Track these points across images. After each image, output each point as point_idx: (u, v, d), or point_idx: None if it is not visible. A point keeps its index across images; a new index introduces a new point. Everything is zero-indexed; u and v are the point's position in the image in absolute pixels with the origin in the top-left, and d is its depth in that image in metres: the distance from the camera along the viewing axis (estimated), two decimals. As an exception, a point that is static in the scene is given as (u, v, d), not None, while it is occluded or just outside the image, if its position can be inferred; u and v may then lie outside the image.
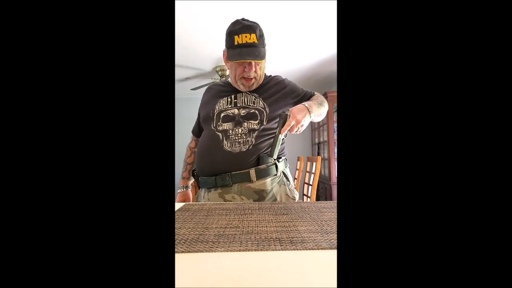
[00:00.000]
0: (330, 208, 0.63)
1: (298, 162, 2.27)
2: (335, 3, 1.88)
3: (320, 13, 2.03)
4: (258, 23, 0.93)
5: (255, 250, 0.37)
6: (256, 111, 0.94)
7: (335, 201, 0.83)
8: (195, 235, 0.43)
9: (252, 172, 0.88)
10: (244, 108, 0.94)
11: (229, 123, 0.93)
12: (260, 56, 0.87)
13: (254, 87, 0.96)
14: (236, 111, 0.94)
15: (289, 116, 0.81)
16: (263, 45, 0.91)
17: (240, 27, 0.87)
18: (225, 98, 0.98)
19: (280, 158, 0.97)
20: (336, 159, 3.07)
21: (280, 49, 2.70)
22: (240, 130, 0.91)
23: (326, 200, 3.16)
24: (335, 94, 3.17)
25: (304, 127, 0.85)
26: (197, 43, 2.49)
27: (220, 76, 3.15)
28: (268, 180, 0.89)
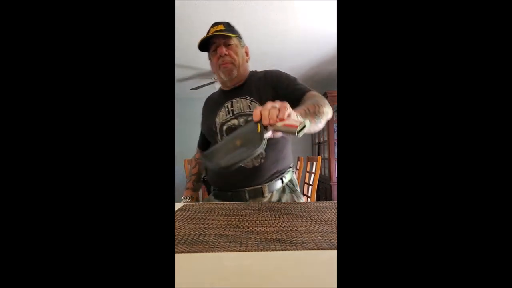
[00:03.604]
0: (330, 208, 0.63)
1: (298, 162, 2.27)
2: (335, 3, 1.88)
3: (320, 13, 2.03)
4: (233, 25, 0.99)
5: (255, 250, 0.37)
6: None
7: (335, 201, 0.83)
8: (195, 235, 0.43)
9: (265, 187, 0.88)
10: (242, 116, 0.92)
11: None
12: (223, 32, 0.89)
13: (235, 74, 0.94)
14: (236, 121, 0.93)
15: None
16: (232, 31, 0.94)
17: (211, 25, 0.96)
18: (222, 109, 0.96)
19: (291, 167, 0.98)
20: (336, 159, 3.07)
21: (280, 49, 2.70)
22: None
23: (326, 200, 3.16)
24: (335, 94, 3.17)
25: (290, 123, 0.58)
26: (197, 42, 2.49)
27: (220, 76, 3.15)
28: (279, 192, 0.91)
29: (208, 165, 0.55)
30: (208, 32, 0.94)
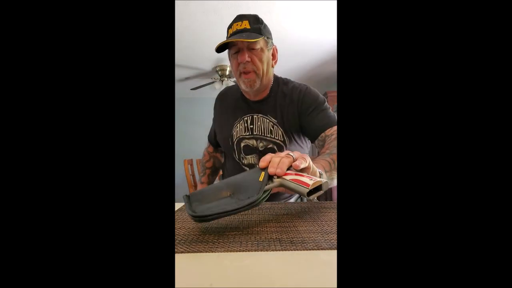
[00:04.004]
0: (330, 208, 0.63)
1: (298, 162, 2.26)
2: (335, 3, 1.88)
3: (320, 13, 2.03)
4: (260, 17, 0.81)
5: (255, 250, 0.37)
6: (275, 146, 0.83)
7: (335, 201, 0.82)
8: (195, 235, 0.43)
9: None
10: (261, 140, 0.83)
11: (252, 155, 0.85)
12: (250, 36, 0.73)
13: (258, 85, 0.81)
14: (254, 142, 0.84)
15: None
16: (259, 32, 0.77)
17: (234, 19, 0.79)
18: (241, 122, 0.86)
19: None
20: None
21: (280, 49, 2.70)
22: None
23: (326, 200, 3.16)
24: (335, 94, 3.17)
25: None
26: (197, 43, 2.49)
27: (220, 76, 3.15)
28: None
29: (186, 208, 0.44)
30: (231, 27, 0.78)
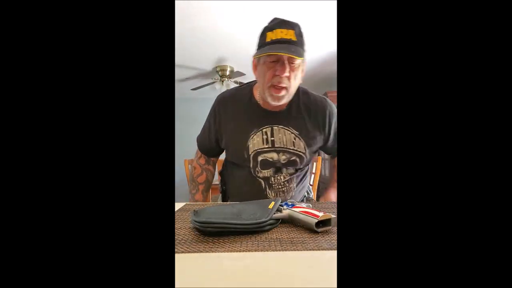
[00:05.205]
0: (330, 208, 0.63)
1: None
2: (335, 3, 1.88)
3: (320, 13, 2.03)
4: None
5: (256, 250, 0.37)
6: (297, 158, 0.81)
7: (335, 201, 0.82)
8: (195, 235, 0.43)
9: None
10: (284, 152, 0.80)
11: (269, 169, 0.81)
12: (298, 53, 0.68)
13: (284, 101, 0.77)
14: (275, 156, 0.80)
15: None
16: (302, 46, 0.72)
17: (276, 22, 0.71)
18: (259, 134, 0.80)
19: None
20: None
21: (280, 49, 2.69)
22: (282, 177, 0.82)
23: (326, 200, 3.15)
24: (335, 94, 3.17)
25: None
26: (197, 43, 2.49)
27: (221, 76, 3.15)
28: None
29: (191, 219, 0.46)
30: (272, 30, 0.70)
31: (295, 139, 0.80)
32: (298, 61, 0.71)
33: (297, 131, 0.81)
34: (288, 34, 0.69)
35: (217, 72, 3.15)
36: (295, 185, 0.85)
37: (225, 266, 0.32)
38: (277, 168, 0.81)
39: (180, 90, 3.91)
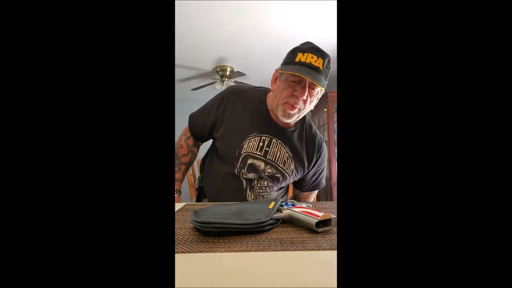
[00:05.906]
0: (330, 208, 0.63)
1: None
2: (335, 3, 1.88)
3: (320, 13, 2.03)
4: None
5: (256, 250, 0.37)
6: (281, 177, 0.84)
7: (335, 201, 0.82)
8: (195, 235, 0.43)
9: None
10: (271, 166, 0.83)
11: (254, 173, 0.83)
12: (321, 82, 0.72)
13: (292, 120, 0.80)
14: (262, 165, 0.82)
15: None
16: (326, 77, 0.75)
17: (309, 47, 0.75)
18: (257, 139, 0.82)
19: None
20: (336, 159, 3.06)
21: (280, 49, 2.69)
22: (265, 183, 0.84)
23: (326, 200, 3.16)
24: (335, 94, 3.17)
25: None
26: (197, 43, 2.49)
27: (221, 77, 3.15)
28: None
29: (191, 219, 0.47)
30: (303, 52, 0.73)
31: (287, 159, 0.84)
32: (318, 89, 0.75)
33: (292, 153, 0.85)
34: (317, 62, 0.72)
35: (217, 72, 3.15)
36: (274, 194, 0.88)
37: (225, 266, 0.32)
38: (260, 177, 0.84)
39: (180, 90, 3.92)
